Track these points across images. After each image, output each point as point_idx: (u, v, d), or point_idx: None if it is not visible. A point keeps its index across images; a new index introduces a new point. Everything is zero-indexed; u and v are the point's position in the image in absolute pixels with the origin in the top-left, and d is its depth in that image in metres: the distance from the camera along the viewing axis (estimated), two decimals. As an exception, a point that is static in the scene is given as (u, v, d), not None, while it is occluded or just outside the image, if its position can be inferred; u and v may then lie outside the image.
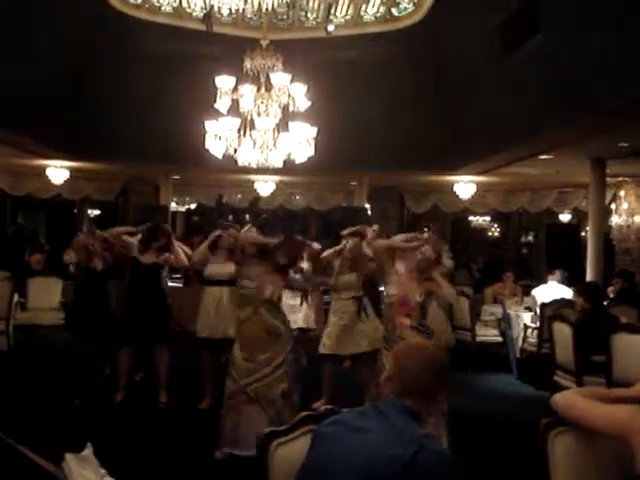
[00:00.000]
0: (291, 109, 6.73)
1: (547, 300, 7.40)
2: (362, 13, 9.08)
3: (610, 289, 8.64)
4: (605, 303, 6.98)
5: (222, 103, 6.70)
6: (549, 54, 6.61)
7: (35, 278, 8.34)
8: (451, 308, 7.69)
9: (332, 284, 5.94)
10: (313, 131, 6.77)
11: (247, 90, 6.70)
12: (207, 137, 6.79)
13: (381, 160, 10.13)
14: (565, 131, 7.30)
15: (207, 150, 6.86)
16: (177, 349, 6.21)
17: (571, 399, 2.11)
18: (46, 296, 8.18)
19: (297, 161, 6.99)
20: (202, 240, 6.21)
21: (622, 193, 11.31)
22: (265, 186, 12.35)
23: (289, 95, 6.68)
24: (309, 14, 9.09)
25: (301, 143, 6.77)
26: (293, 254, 4.79)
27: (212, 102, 6.74)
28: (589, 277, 9.04)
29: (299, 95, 6.70)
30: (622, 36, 5.48)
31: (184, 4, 8.59)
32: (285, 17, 9.12)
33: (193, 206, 15.27)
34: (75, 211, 14.65)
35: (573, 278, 8.80)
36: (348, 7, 8.89)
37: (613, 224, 11.36)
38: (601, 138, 7.48)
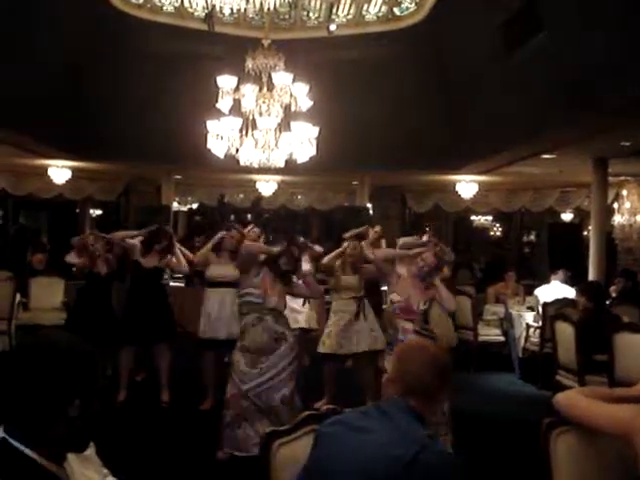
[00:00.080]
0: (293, 109, 6.73)
1: (549, 299, 7.40)
2: (364, 13, 9.07)
3: (612, 288, 8.63)
4: (607, 302, 6.97)
5: (224, 103, 6.70)
6: (552, 53, 6.60)
7: (37, 278, 8.34)
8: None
9: (333, 285, 5.95)
10: (315, 131, 6.77)
11: (249, 90, 6.69)
12: (209, 137, 6.79)
13: (383, 160, 10.13)
14: (568, 130, 7.30)
15: (209, 150, 6.86)
16: (179, 349, 6.21)
17: (573, 399, 2.11)
18: (48, 296, 8.18)
19: (299, 161, 6.99)
20: (204, 241, 6.22)
21: (624, 192, 11.30)
22: (267, 186, 12.35)
23: (291, 95, 6.67)
24: (311, 14, 9.08)
25: (303, 143, 6.77)
26: (295, 260, 4.79)
27: (214, 102, 6.74)
28: (591, 276, 9.04)
29: (301, 95, 6.70)
30: (625, 35, 5.47)
31: (186, 4, 8.60)
32: (287, 17, 9.11)
33: (195, 206, 15.30)
34: (77, 211, 14.67)
35: (575, 277, 8.80)
36: (350, 7, 8.88)
37: (615, 223, 11.35)
38: (604, 137, 7.48)
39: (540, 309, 7.45)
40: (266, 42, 6.82)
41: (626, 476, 1.99)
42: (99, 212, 15.38)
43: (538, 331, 7.34)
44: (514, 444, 4.73)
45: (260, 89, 6.76)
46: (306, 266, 5.57)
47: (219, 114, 6.75)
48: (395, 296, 4.52)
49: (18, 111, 7.61)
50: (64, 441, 1.46)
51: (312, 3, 8.85)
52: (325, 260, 5.99)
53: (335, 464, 1.77)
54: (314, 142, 6.79)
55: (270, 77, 6.69)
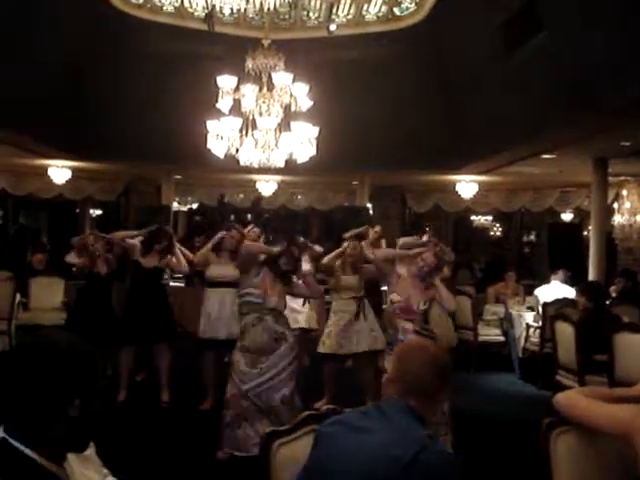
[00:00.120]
0: (293, 109, 6.73)
1: (549, 299, 7.40)
2: (364, 12, 9.07)
3: (612, 288, 8.63)
4: (607, 302, 6.97)
5: (224, 103, 6.70)
6: (552, 53, 6.60)
7: (37, 278, 8.34)
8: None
9: (333, 285, 5.95)
10: (315, 131, 6.76)
11: (249, 90, 6.69)
12: (209, 137, 6.79)
13: (383, 160, 10.13)
14: (568, 130, 7.30)
15: (209, 150, 6.86)
16: (179, 349, 6.22)
17: (573, 399, 2.11)
18: (48, 296, 8.18)
19: (299, 161, 6.99)
20: (204, 241, 6.22)
21: (624, 192, 11.30)
22: (267, 186, 12.35)
23: (291, 95, 6.67)
24: (311, 14, 9.08)
25: (303, 143, 6.77)
26: (296, 260, 4.79)
27: (214, 102, 6.74)
28: (591, 276, 9.04)
29: (301, 95, 6.69)
30: (625, 35, 5.47)
31: (186, 4, 8.60)
32: (287, 17, 9.11)
33: (195, 206, 15.30)
34: (77, 211, 14.67)
35: (575, 277, 8.80)
36: (350, 7, 8.88)
37: (615, 223, 11.35)
38: (604, 137, 7.48)
39: (540, 309, 7.45)
40: (266, 42, 6.82)
41: (626, 476, 1.99)
42: (99, 212, 15.38)
43: (538, 331, 7.34)
44: (514, 444, 4.73)
45: (260, 89, 6.76)
46: (306, 266, 5.56)
47: (219, 114, 6.75)
48: (395, 296, 4.52)
49: (18, 111, 7.61)
50: (64, 441, 1.46)
51: (312, 3, 8.85)
52: (325, 260, 5.99)
53: (335, 464, 1.77)
54: (314, 142, 6.79)
55: (270, 77, 6.69)
